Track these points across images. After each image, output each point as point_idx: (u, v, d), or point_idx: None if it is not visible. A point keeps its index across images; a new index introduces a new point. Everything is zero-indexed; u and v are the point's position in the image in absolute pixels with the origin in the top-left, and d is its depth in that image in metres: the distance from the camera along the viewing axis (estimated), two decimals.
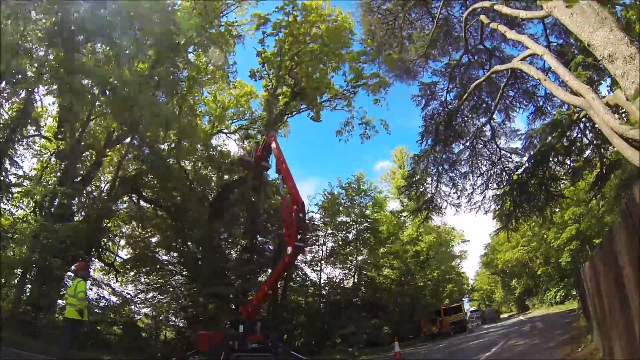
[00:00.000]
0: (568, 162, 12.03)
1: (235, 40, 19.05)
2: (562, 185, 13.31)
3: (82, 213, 14.51)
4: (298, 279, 23.16)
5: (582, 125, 10.78)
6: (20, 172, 13.02)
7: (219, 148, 22.55)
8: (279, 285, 22.33)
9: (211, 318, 15.89)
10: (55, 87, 12.14)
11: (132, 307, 16.14)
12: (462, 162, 13.67)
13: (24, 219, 13.48)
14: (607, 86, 9.69)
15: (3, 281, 11.37)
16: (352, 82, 23.04)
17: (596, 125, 7.92)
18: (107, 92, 12.62)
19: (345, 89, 23.52)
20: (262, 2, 22.01)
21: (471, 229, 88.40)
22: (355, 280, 25.36)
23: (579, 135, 11.29)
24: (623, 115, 6.84)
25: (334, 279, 25.16)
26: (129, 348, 12.79)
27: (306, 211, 13.82)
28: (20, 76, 11.00)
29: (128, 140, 16.96)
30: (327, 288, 24.19)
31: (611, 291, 4.39)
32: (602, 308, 5.39)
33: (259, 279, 20.24)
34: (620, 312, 3.92)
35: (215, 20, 16.61)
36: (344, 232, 25.68)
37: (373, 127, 23.32)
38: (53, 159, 15.80)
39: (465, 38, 11.78)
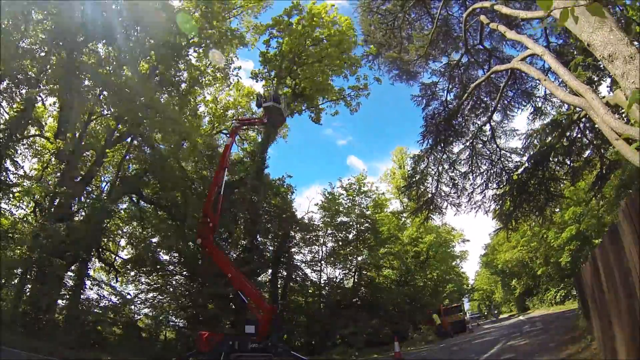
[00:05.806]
0: (568, 162, 12.03)
1: (237, 42, 19.11)
2: (562, 185, 13.30)
3: (82, 213, 14.50)
4: (298, 279, 23.17)
5: (582, 125, 10.78)
6: (20, 172, 13.02)
7: (219, 149, 22.58)
8: (278, 286, 22.38)
9: (211, 318, 15.90)
10: (56, 86, 12.13)
11: (133, 307, 16.14)
12: (462, 162, 13.67)
13: (24, 219, 13.46)
14: (607, 86, 9.70)
15: (3, 281, 11.36)
16: (354, 88, 23.47)
17: (596, 125, 7.92)
18: (109, 92, 12.61)
19: (348, 94, 24.10)
20: (264, 11, 22.13)
21: (471, 229, 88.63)
22: (355, 280, 25.35)
23: (579, 135, 11.29)
24: (623, 115, 6.85)
25: (334, 279, 25.18)
26: (129, 348, 12.79)
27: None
28: (21, 76, 11.00)
29: (129, 140, 16.97)
30: (327, 288, 24.18)
31: (615, 291, 4.38)
32: (605, 308, 5.37)
33: (259, 279, 20.23)
34: (626, 313, 3.91)
35: (215, 21, 16.60)
36: (344, 232, 25.70)
37: None
38: (53, 159, 15.79)
39: (465, 38, 11.76)
